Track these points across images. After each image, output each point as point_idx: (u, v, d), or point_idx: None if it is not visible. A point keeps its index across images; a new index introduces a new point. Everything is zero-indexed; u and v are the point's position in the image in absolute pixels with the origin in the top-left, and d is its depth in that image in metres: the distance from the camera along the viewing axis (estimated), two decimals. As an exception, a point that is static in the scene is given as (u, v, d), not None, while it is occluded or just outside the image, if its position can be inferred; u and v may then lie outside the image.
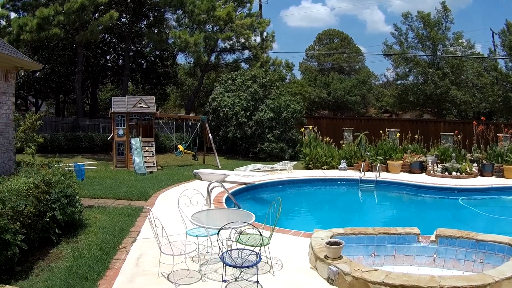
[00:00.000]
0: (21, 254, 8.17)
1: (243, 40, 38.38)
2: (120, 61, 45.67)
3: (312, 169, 22.83)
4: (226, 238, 8.25)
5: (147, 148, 23.35)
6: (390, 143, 23.20)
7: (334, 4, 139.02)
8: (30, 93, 45.08)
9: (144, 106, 23.58)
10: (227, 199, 14.24)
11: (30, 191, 8.95)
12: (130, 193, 15.27)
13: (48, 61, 39.24)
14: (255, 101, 29.64)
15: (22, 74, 13.07)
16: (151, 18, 39.30)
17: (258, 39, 40.60)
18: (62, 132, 31.83)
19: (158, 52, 43.03)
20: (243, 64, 40.59)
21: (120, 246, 9.57)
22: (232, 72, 33.63)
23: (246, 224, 7.69)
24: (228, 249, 7.73)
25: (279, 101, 29.60)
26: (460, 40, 45.34)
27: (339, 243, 7.96)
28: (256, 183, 18.03)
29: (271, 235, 8.32)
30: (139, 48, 44.02)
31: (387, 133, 24.35)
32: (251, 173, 18.86)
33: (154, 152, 23.63)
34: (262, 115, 28.75)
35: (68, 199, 9.94)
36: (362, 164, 20.49)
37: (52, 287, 7.42)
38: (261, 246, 7.68)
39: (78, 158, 27.32)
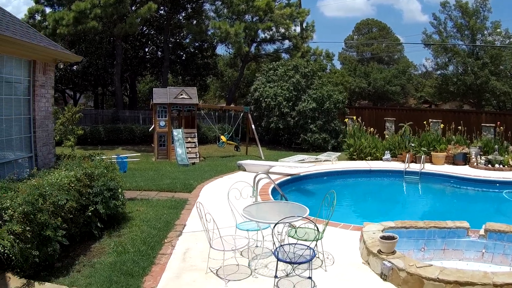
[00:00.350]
0: (61, 249, 7.84)
1: (283, 30, 37.81)
2: (159, 53, 45.61)
3: (356, 160, 22.23)
4: (278, 232, 7.82)
5: (189, 139, 23.07)
6: (434, 134, 22.42)
7: None
8: (68, 86, 45.28)
9: (185, 97, 23.27)
10: (273, 190, 13.77)
11: (72, 185, 8.62)
12: (173, 185, 14.91)
13: (85, 55, 39.03)
14: (298, 91, 29.13)
15: (61, 67, 12.66)
16: (189, 10, 38.91)
17: (298, 29, 39.89)
18: (102, 124, 31.82)
19: (197, 44, 42.76)
20: (283, 54, 40.13)
21: (166, 240, 9.17)
22: (274, 63, 33.08)
23: (301, 217, 7.22)
24: (281, 243, 7.28)
25: (322, 91, 29.04)
26: (498, 30, 44.50)
27: (393, 238, 7.51)
28: (301, 174, 17.48)
29: (324, 229, 7.87)
30: (178, 40, 43.89)
31: (430, 123, 23.67)
32: (296, 164, 18.31)
33: (197, 143, 23.35)
34: (305, 105, 28.23)
35: (111, 192, 9.59)
36: (407, 156, 20.00)
37: (95, 284, 7.07)
38: (316, 240, 7.30)
39: (119, 150, 27.18)
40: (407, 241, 8.61)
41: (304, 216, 7.25)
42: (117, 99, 36.55)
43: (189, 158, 21.72)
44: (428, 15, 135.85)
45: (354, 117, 24.15)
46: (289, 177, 16.75)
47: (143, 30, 43.24)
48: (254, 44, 40.07)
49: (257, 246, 8.65)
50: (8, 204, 7.04)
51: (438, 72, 49.86)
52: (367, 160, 22.01)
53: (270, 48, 40.84)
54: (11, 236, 6.66)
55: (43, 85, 11.62)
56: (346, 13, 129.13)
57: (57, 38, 29.70)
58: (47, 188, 7.90)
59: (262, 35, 39.34)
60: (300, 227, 7.71)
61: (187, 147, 22.52)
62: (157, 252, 8.50)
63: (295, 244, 7.22)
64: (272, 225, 6.96)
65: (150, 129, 25.91)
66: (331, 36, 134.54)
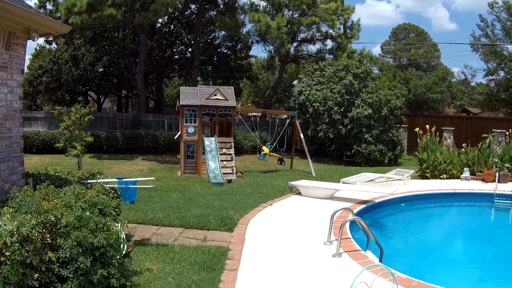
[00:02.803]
0: None
1: (325, 29, 34.46)
2: (188, 53, 42.23)
3: (429, 178, 18.33)
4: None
5: (224, 150, 18.63)
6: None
7: (399, 2, 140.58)
8: (91, 87, 42.84)
9: (220, 98, 18.90)
10: (353, 228, 9.39)
11: (8, 252, 4.30)
12: (205, 218, 10.42)
13: (109, 54, 36.68)
14: (350, 94, 25.12)
15: (36, 40, 8.03)
16: (221, 6, 35.14)
17: (341, 28, 35.76)
18: (120, 130, 27.48)
19: (230, 43, 39.90)
20: (327, 55, 36.09)
21: None
22: (320, 62, 29.18)
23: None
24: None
25: (378, 95, 24.99)
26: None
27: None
28: (376, 201, 12.99)
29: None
30: (209, 39, 40.53)
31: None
32: (367, 188, 13.90)
33: (233, 155, 18.89)
34: (359, 111, 24.31)
35: (99, 253, 5.23)
36: (497, 174, 16.34)
37: None
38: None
39: (138, 160, 23.44)
40: None
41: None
42: (140, 101, 32.45)
43: (224, 174, 17.32)
44: (455, 23, 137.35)
45: (428, 126, 19.65)
46: (363, 205, 12.22)
47: (171, 28, 40.14)
48: (294, 44, 36.06)
49: None
50: None
51: (484, 78, 48.33)
52: (442, 178, 18.16)
53: (311, 48, 37.21)
54: None
55: (5, 65, 7.26)
56: (375, 21, 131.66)
57: (76, 35, 26.18)
58: None
59: (303, 35, 35.89)
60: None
61: (222, 160, 18.09)
62: None
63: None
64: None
65: (175, 137, 21.57)
66: (362, 45, 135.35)
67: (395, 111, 25.37)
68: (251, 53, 49.51)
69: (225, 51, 40.89)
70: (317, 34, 35.24)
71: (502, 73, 44.29)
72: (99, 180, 8.16)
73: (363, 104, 24.82)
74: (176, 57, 42.95)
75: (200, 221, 10.10)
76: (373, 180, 16.14)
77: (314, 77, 27.37)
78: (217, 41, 40.46)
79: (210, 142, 18.53)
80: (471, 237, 12.19)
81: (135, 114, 31.96)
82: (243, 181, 17.16)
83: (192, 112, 18.90)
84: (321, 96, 25.10)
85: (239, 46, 40.60)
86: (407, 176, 16.77)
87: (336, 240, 7.95)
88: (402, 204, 13.88)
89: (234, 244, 8.38)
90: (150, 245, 8.34)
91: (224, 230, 9.59)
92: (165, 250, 8.04)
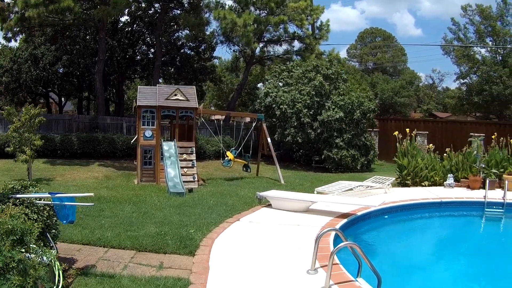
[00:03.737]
0: None
1: (292, 31, 33.53)
2: (150, 54, 40.68)
3: (410, 186, 17.02)
4: None
5: (184, 156, 16.85)
6: (500, 153, 17.55)
7: (364, 7, 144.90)
8: (53, 89, 41.43)
9: (181, 98, 17.17)
10: (337, 244, 7.86)
11: None
12: (161, 238, 8.69)
13: (69, 53, 35.28)
14: (320, 96, 23.75)
15: None
16: (186, 5, 33.32)
17: (309, 29, 34.71)
18: (76, 133, 25.60)
19: (194, 45, 38.79)
20: (294, 57, 34.97)
21: None
22: (287, 63, 27.84)
23: None
24: None
25: (350, 97, 23.66)
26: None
27: None
28: (358, 214, 11.40)
29: None
30: (172, 40, 39.08)
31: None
32: (346, 199, 12.31)
33: (195, 161, 17.15)
34: (330, 114, 22.91)
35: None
36: (487, 181, 15.15)
37: None
38: None
39: (94, 166, 21.64)
40: None
41: None
42: (98, 103, 30.61)
43: (184, 182, 15.61)
44: (420, 29, 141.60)
45: (408, 130, 18.30)
46: (344, 219, 10.64)
47: (134, 27, 38.59)
48: (261, 45, 34.90)
49: None
50: None
51: (455, 82, 49.33)
52: (423, 185, 16.91)
53: (278, 49, 35.99)
54: None
55: None
56: (340, 26, 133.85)
57: (26, 24, 24.84)
58: None
59: (269, 35, 34.65)
60: None
61: (182, 167, 16.33)
62: None
63: None
64: None
65: (132, 141, 19.91)
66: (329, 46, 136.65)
67: (368, 114, 24.06)
68: (215, 54, 49.16)
69: (188, 52, 39.55)
70: (285, 35, 34.12)
71: (474, 77, 44.51)
72: (29, 195, 6.50)
73: (333, 106, 23.43)
74: (138, 58, 41.38)
75: (155, 242, 8.41)
76: (351, 189, 14.66)
77: (282, 78, 25.99)
78: (180, 42, 39.13)
79: (169, 147, 16.75)
80: (468, 253, 10.84)
81: (93, 116, 30.08)
82: (206, 190, 15.42)
83: (150, 113, 17.12)
84: (289, 98, 23.63)
85: (203, 47, 39.20)
86: (388, 184, 15.34)
87: (321, 267, 6.50)
88: (386, 216, 12.42)
89: (196, 275, 6.75)
90: (94, 275, 6.67)
91: (184, 254, 7.93)
92: (111, 283, 6.39)
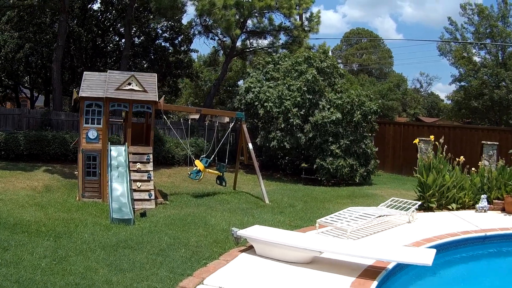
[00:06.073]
0: None
1: (278, 22, 30.26)
2: (122, 45, 36.29)
3: (433, 210, 13.31)
4: None
5: (138, 165, 12.61)
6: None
7: (346, 11, 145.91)
8: (20, 81, 38.65)
9: (136, 88, 12.94)
10: None
11: None
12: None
13: (33, 41, 32.03)
14: (313, 93, 19.91)
15: None
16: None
17: (297, 19, 31.40)
18: (24, 131, 21.48)
19: (169, 36, 35.75)
20: (280, 50, 31.12)
21: None
22: (274, 54, 24.98)
23: None
24: None
25: (350, 95, 20.05)
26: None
27: None
28: (389, 267, 7.34)
29: None
30: (146, 30, 35.62)
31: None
32: (371, 248, 8.12)
33: (152, 173, 12.93)
34: (325, 115, 19.18)
35: None
36: None
37: None
38: None
39: (38, 172, 17.48)
40: None
41: None
42: (55, 96, 26.24)
43: (137, 201, 11.55)
44: (402, 34, 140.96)
45: (432, 137, 14.50)
46: (375, 282, 6.62)
47: (106, 14, 35.54)
48: (243, 36, 31.49)
49: None
50: None
51: (453, 85, 46.88)
52: (450, 209, 13.46)
53: (262, 42, 32.61)
54: None
55: None
56: (322, 30, 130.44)
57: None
58: None
59: (252, 27, 31.16)
60: None
61: (135, 180, 12.22)
62: None
63: None
64: None
65: (71, 145, 15.86)
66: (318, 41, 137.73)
67: (369, 116, 20.34)
68: (192, 46, 46.44)
69: (163, 44, 36.23)
70: (270, 27, 30.67)
71: (473, 79, 41.91)
72: None
73: (329, 106, 19.78)
74: (108, 48, 37.79)
75: None
76: (367, 216, 10.37)
77: (267, 71, 22.25)
78: (153, 33, 35.71)
79: (118, 153, 12.43)
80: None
81: (45, 111, 25.75)
82: (164, 215, 11.13)
83: (96, 108, 12.90)
84: (276, 95, 19.73)
85: (180, 39, 35.84)
86: (413, 211, 11.38)
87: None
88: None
89: None
90: None
91: None
92: None
